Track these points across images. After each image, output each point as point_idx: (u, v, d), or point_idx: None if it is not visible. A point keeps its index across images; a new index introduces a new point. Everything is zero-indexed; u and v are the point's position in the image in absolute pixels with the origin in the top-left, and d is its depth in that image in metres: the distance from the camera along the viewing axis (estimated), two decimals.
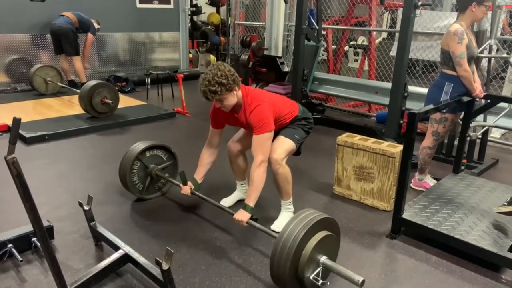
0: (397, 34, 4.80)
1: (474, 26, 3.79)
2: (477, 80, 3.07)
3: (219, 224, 2.66)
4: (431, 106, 2.68)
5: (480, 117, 3.86)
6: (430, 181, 3.31)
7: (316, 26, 5.12)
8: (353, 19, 6.49)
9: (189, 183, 2.64)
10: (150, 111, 5.26)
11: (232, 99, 2.31)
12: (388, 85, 4.38)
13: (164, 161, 2.99)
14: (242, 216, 2.27)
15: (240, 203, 2.92)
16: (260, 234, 2.53)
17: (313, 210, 1.96)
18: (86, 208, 2.26)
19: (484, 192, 2.93)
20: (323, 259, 1.83)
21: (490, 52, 3.88)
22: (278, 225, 2.60)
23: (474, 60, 3.07)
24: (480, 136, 3.87)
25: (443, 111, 3.01)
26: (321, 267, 1.84)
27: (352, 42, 9.24)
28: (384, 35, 8.03)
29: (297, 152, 2.67)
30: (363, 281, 1.69)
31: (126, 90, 6.60)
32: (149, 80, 6.50)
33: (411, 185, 3.33)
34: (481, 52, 3.80)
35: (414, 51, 5.04)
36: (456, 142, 3.68)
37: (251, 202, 2.30)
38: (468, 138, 3.73)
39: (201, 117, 5.39)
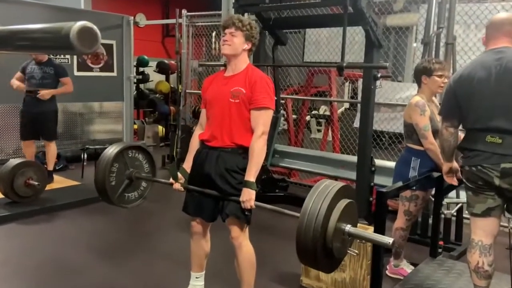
0: (359, 105, 5.10)
1: (438, 98, 4.11)
2: None
3: None
4: (399, 183, 2.80)
5: (453, 193, 4.05)
6: (406, 267, 3.33)
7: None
8: (313, 89, 6.89)
9: (179, 175, 2.63)
10: (85, 193, 5.05)
11: (241, 44, 2.50)
12: (354, 158, 4.55)
13: (143, 166, 3.09)
14: (248, 195, 2.31)
15: None
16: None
17: (329, 181, 2.03)
18: None
19: (466, 279, 2.96)
20: (347, 228, 1.94)
21: None
22: None
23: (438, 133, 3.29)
24: (454, 214, 4.03)
25: (413, 188, 3.14)
26: (346, 236, 1.97)
27: (314, 112, 9.62)
28: (347, 105, 8.51)
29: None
30: (393, 242, 1.92)
31: (57, 168, 6.39)
32: (85, 156, 6.37)
33: (387, 272, 3.33)
34: None
35: (378, 123, 5.34)
36: (431, 221, 3.79)
37: (252, 177, 2.34)
38: (443, 216, 3.86)
39: (149, 198, 5.24)
